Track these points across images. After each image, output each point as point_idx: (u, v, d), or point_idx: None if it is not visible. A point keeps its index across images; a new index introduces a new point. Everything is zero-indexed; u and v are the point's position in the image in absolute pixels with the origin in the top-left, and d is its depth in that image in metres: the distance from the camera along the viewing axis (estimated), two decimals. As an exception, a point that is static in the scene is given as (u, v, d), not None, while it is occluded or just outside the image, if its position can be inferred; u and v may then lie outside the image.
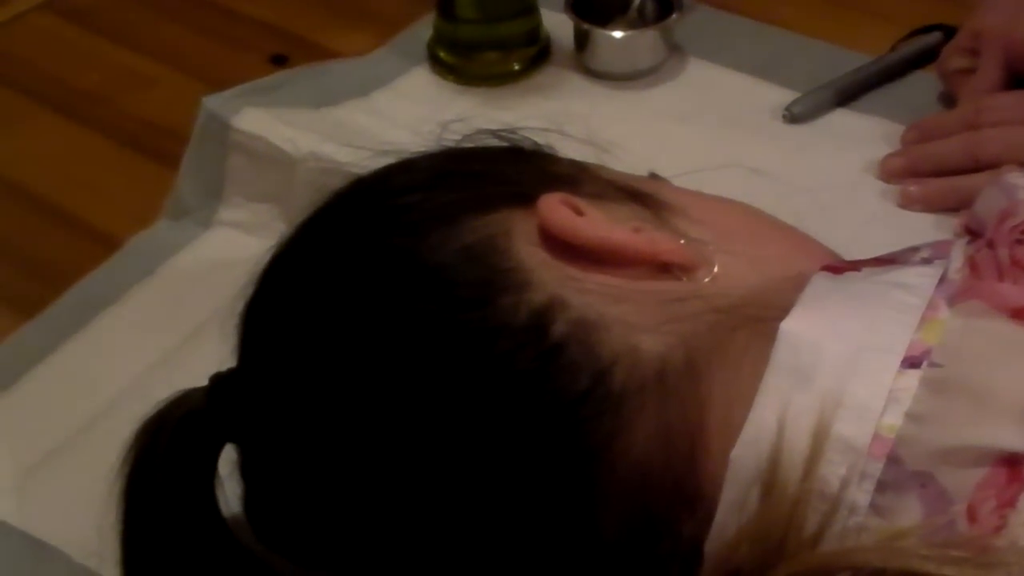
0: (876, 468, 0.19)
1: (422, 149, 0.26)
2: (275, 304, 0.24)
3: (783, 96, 0.41)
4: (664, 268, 0.23)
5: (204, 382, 0.25)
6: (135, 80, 0.45)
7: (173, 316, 0.35)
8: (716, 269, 0.23)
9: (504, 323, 0.21)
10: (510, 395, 0.21)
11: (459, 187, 0.24)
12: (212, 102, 0.38)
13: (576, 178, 0.25)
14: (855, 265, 0.24)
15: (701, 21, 0.45)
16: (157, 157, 0.41)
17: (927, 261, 0.23)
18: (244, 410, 0.24)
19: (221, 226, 0.38)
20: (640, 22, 0.43)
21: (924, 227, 0.36)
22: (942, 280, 0.22)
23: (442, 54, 0.44)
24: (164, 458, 0.24)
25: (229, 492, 0.25)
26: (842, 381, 0.20)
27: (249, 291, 0.24)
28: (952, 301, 0.21)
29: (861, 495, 0.19)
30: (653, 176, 0.28)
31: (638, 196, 0.25)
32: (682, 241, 0.23)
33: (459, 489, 0.21)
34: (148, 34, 0.47)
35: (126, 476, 0.25)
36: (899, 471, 0.19)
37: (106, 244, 0.38)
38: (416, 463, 0.21)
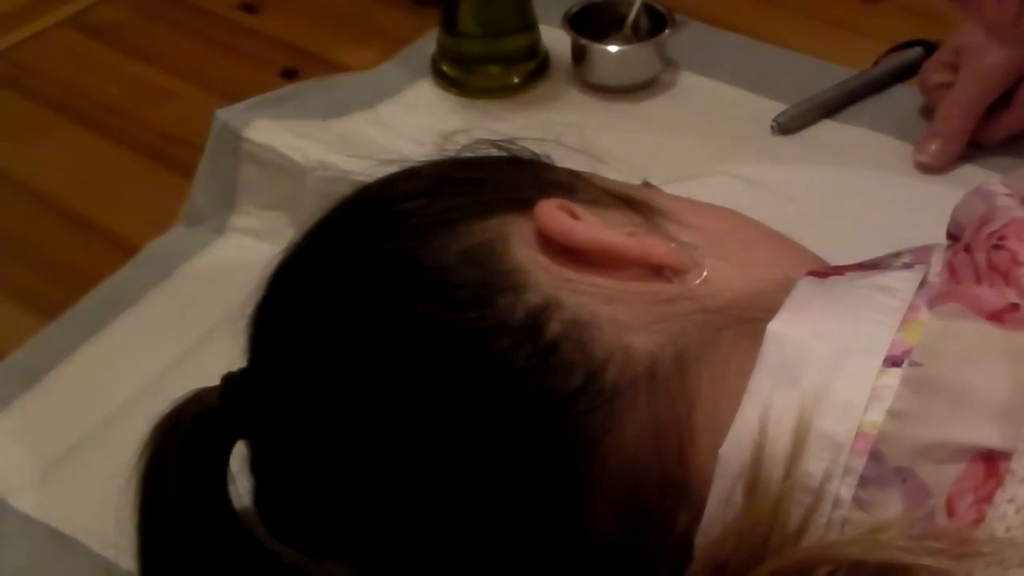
0: (859, 463, 0.20)
1: (425, 158, 0.27)
2: (283, 306, 0.25)
3: (771, 108, 0.42)
4: (656, 271, 0.23)
5: (217, 381, 0.26)
6: (153, 93, 0.46)
7: (188, 318, 0.36)
8: (706, 272, 0.23)
9: (502, 322, 0.22)
10: (508, 392, 0.22)
11: (460, 193, 0.25)
12: (225, 114, 0.39)
13: (572, 185, 0.26)
14: (839, 270, 0.24)
15: (693, 36, 0.46)
16: (173, 166, 0.42)
17: (908, 266, 0.24)
18: (255, 408, 0.25)
19: (234, 232, 0.39)
20: (635, 37, 0.44)
21: (906, 234, 0.37)
22: (922, 284, 0.22)
23: (445, 68, 0.45)
24: (179, 454, 0.25)
25: (240, 487, 0.26)
26: (826, 380, 0.21)
27: (259, 294, 0.25)
28: (932, 304, 0.21)
29: (845, 489, 0.20)
30: (646, 184, 0.29)
31: (631, 202, 0.25)
32: (673, 245, 0.24)
33: (458, 481, 0.22)
34: (165, 49, 0.48)
35: (142, 471, 0.25)
36: (881, 467, 0.20)
37: (124, 249, 0.39)
38: (417, 457, 0.22)
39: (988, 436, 0.20)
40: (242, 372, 0.26)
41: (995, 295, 0.21)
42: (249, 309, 0.25)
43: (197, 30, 0.49)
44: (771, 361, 0.21)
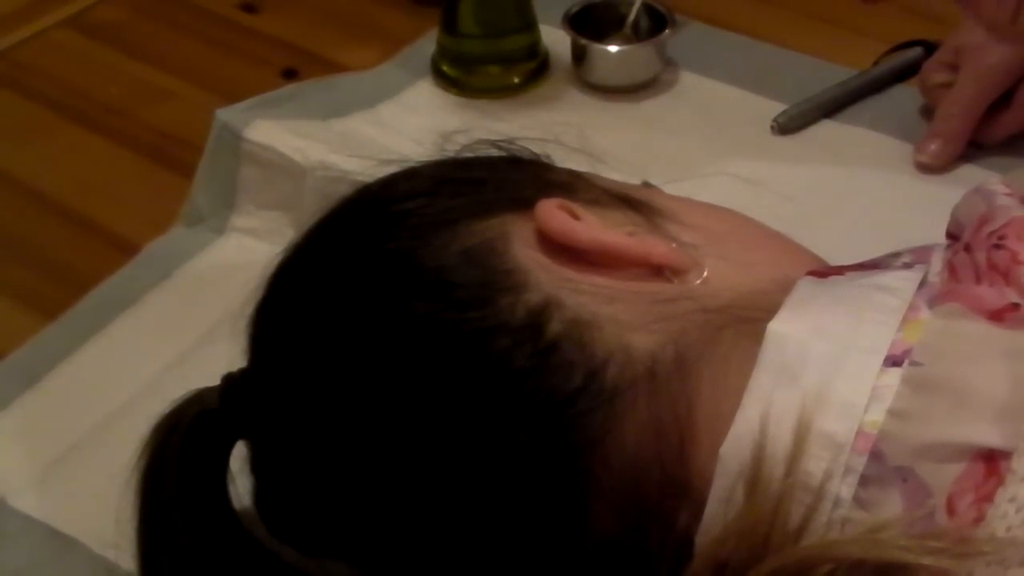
0: (860, 463, 0.20)
1: (425, 158, 0.27)
2: (283, 306, 0.25)
3: (771, 108, 0.42)
4: (656, 271, 0.23)
5: (217, 381, 0.26)
6: (153, 93, 0.46)
7: (188, 318, 0.36)
8: (706, 272, 0.24)
9: (502, 322, 0.22)
10: (508, 391, 0.22)
11: (460, 193, 0.25)
12: (225, 114, 0.39)
13: (572, 185, 0.26)
14: (840, 270, 0.24)
15: (693, 36, 0.46)
16: (173, 167, 0.42)
17: (908, 265, 0.24)
18: (255, 408, 0.25)
19: (234, 232, 0.39)
20: (635, 37, 0.44)
21: (906, 234, 0.37)
22: (923, 283, 0.22)
23: (445, 68, 0.45)
24: (178, 454, 0.25)
25: (240, 487, 0.26)
26: (827, 379, 0.21)
27: (259, 294, 0.25)
28: (932, 303, 0.22)
29: (845, 489, 0.20)
30: (646, 184, 0.29)
31: (631, 202, 0.25)
32: (674, 245, 0.24)
33: (459, 481, 0.22)
34: (165, 49, 0.48)
35: (142, 471, 0.25)
36: (881, 466, 0.20)
37: (124, 249, 0.39)
38: (417, 457, 0.22)
39: (988, 435, 0.20)
40: (242, 372, 0.26)
41: (995, 294, 0.21)
42: (249, 309, 0.25)
43: (197, 30, 0.49)
44: (771, 360, 0.22)
